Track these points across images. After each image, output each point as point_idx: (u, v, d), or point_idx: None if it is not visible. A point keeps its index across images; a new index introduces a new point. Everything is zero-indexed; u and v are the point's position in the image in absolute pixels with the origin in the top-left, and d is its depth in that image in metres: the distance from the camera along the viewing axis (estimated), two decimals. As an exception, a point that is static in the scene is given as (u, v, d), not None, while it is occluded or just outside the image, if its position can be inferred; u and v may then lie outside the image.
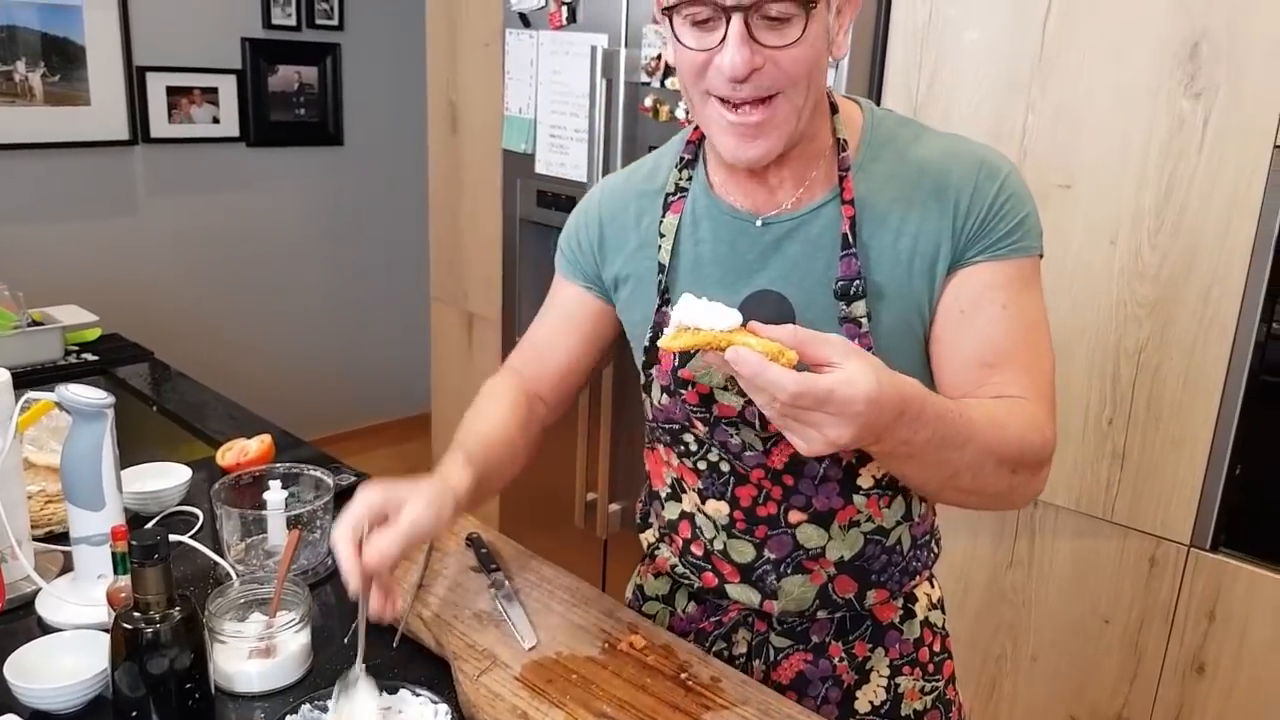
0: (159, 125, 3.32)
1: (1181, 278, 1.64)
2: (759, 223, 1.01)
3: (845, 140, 1.00)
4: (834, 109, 1.01)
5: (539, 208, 2.47)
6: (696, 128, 1.07)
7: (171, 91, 3.33)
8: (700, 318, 0.76)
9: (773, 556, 1.08)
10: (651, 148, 2.15)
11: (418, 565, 1.21)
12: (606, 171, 2.24)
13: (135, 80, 3.23)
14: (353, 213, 3.93)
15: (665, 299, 1.06)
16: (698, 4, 0.87)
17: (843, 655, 1.12)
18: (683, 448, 1.10)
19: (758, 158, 0.93)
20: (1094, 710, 1.86)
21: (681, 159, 1.08)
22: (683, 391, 1.04)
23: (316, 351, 3.95)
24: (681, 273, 1.05)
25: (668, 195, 1.07)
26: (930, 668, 1.16)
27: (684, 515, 1.14)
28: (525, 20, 2.38)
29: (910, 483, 0.99)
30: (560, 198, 2.41)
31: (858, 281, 0.96)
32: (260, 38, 3.52)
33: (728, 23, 0.86)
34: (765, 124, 0.90)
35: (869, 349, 0.95)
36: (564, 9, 2.27)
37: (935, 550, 1.17)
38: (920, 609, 1.15)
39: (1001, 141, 1.77)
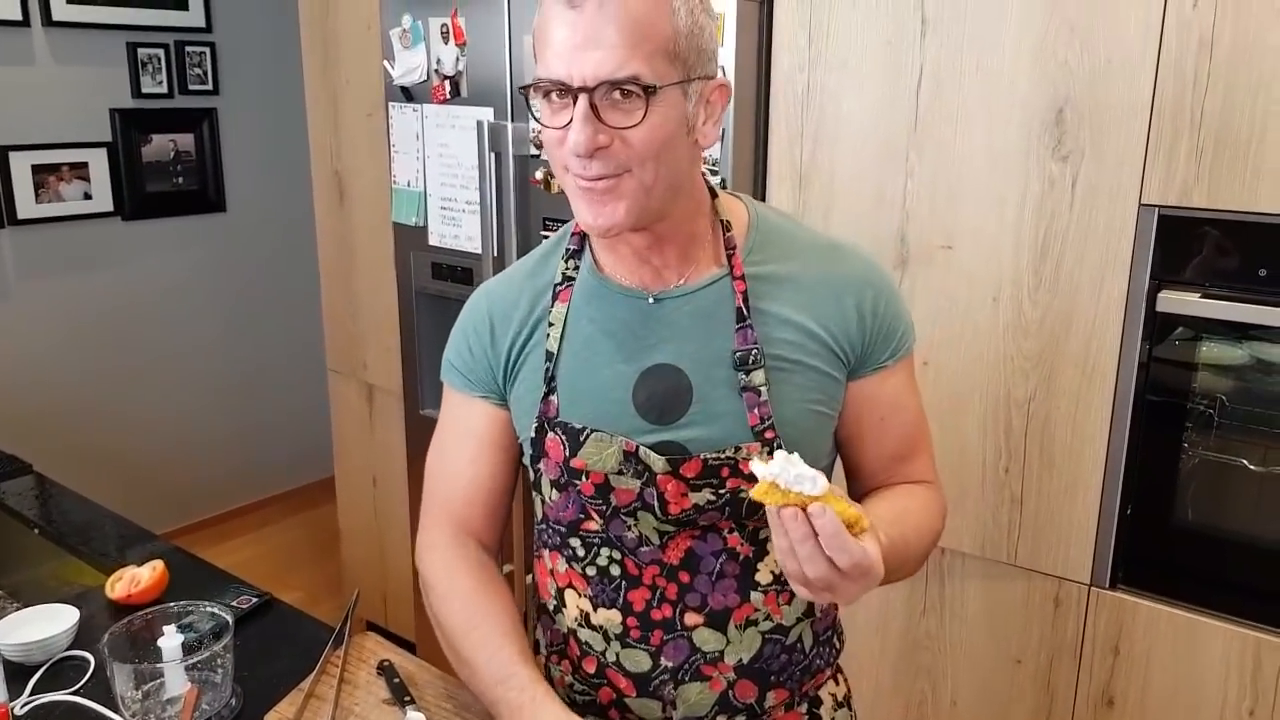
0: (25, 206, 3.16)
1: (1062, 331, 1.70)
2: (650, 299, 1.04)
3: (728, 221, 1.05)
4: (713, 194, 1.06)
5: (435, 280, 2.44)
6: None
7: (38, 170, 3.17)
8: (791, 479, 0.82)
9: (669, 664, 1.06)
10: (545, 219, 2.18)
11: (328, 703, 1.17)
12: (502, 243, 2.22)
13: (-4, 161, 3.08)
14: (242, 282, 3.79)
15: (551, 387, 1.06)
16: (549, 86, 0.93)
17: None
18: (570, 552, 1.09)
19: (608, 225, 0.96)
20: (1013, 748, 1.91)
21: (568, 250, 1.10)
22: (576, 482, 1.03)
23: (215, 426, 3.79)
24: (570, 356, 1.06)
25: (556, 285, 1.08)
26: None
27: (570, 631, 1.13)
28: (408, 94, 2.35)
29: None
30: (456, 269, 2.38)
31: (755, 350, 1.01)
32: (130, 107, 3.39)
33: (575, 103, 0.91)
34: (612, 191, 0.94)
35: (768, 417, 1.00)
36: (447, 83, 2.25)
37: (837, 645, 1.17)
38: (825, 711, 1.14)
39: (884, 206, 1.82)
